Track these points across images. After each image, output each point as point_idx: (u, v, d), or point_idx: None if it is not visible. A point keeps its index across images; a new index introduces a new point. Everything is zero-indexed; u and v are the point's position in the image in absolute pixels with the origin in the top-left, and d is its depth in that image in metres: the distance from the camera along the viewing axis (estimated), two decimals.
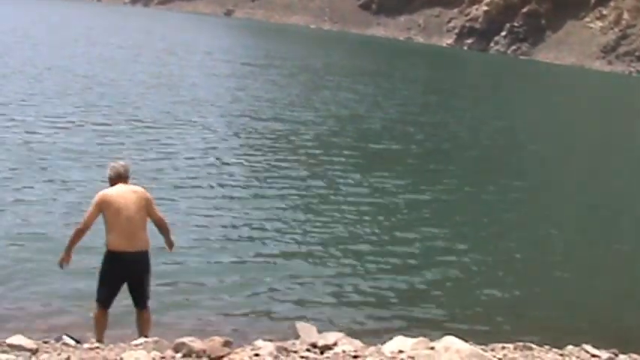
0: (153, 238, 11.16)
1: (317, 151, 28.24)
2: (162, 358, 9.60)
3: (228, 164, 24.21)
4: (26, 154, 21.92)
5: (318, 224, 19.06)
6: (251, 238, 17.17)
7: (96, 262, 12.44)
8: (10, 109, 28.13)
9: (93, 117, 28.79)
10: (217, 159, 24.69)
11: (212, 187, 21.34)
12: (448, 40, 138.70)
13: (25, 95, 31.65)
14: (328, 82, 53.61)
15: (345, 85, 52.66)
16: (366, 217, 20.22)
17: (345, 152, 28.52)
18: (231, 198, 20.50)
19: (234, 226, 17.95)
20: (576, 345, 12.16)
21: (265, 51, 75.55)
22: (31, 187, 18.85)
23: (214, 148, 26.42)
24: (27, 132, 24.72)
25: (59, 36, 65.31)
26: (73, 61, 47.34)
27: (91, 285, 12.75)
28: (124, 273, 10.91)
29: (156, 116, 30.58)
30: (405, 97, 52.01)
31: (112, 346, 10.56)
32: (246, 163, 24.74)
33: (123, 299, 12.82)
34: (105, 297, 10.97)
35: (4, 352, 9.46)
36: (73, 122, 27.44)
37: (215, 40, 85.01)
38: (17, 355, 9.29)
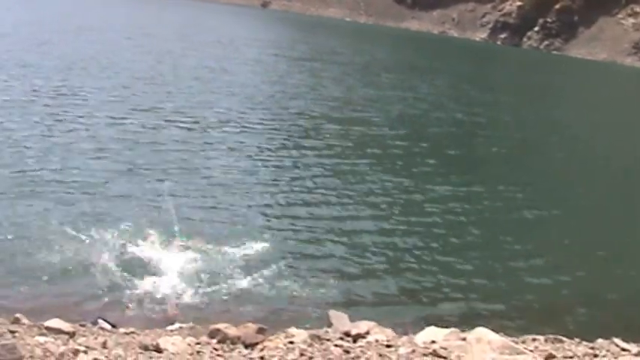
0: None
1: (382, 152, 27.52)
2: (198, 343, 9.55)
3: (306, 165, 23.69)
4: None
5: (352, 219, 18.87)
6: (285, 230, 17.03)
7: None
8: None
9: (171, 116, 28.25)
10: (291, 158, 24.35)
11: (257, 179, 21.24)
12: (482, 35, 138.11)
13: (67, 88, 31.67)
14: (383, 80, 52.74)
15: (400, 83, 51.84)
16: (403, 214, 19.95)
17: (417, 158, 27.67)
18: (281, 192, 20.35)
19: (270, 217, 17.84)
20: (606, 339, 11.99)
21: (311, 45, 75.16)
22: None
23: (287, 146, 26.05)
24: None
25: (106, 26, 65.28)
26: (133, 55, 46.72)
27: (123, 273, 12.89)
28: None
29: (220, 116, 29.78)
30: (462, 95, 51.10)
31: (147, 331, 10.53)
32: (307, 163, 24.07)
33: (160, 285, 12.87)
34: None
35: (42, 334, 9.45)
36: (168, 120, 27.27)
37: (259, 33, 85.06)
38: (55, 338, 9.27)
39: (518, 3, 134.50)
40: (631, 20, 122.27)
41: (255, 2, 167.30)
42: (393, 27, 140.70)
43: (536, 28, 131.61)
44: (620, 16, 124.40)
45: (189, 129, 26.25)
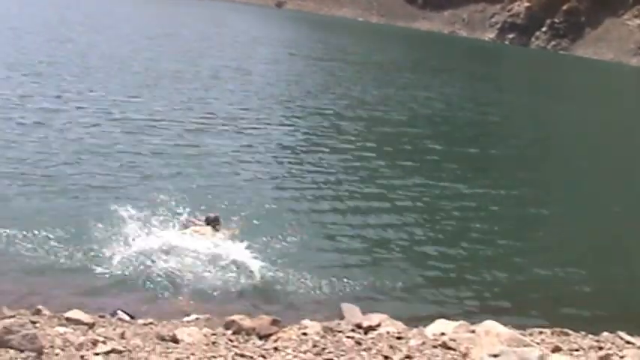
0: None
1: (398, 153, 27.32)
2: (214, 334, 9.60)
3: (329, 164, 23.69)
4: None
5: (365, 214, 18.86)
6: (300, 225, 16.97)
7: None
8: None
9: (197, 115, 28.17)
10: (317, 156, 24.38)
11: (273, 175, 21.32)
12: (490, 35, 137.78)
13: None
14: (402, 80, 52.42)
15: (416, 83, 51.54)
16: (415, 210, 19.92)
17: (432, 156, 27.64)
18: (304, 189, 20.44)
19: (285, 212, 17.85)
20: (611, 332, 11.99)
21: (327, 45, 74.96)
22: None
23: (308, 144, 26.13)
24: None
25: (127, 26, 65.24)
26: (157, 53, 46.74)
27: (141, 266, 12.97)
28: None
29: (241, 114, 29.76)
30: (476, 94, 51.00)
31: (164, 322, 10.59)
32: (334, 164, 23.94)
33: (178, 278, 12.95)
34: None
35: (62, 325, 9.51)
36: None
37: (276, 33, 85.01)
38: (75, 329, 9.33)
39: (527, 4, 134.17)
40: (637, 21, 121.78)
41: (270, 2, 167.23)
42: (404, 27, 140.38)
43: (543, 29, 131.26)
44: (626, 17, 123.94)
45: (208, 126, 26.28)
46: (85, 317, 9.99)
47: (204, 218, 15.05)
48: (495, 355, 8.25)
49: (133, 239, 14.13)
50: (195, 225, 14.86)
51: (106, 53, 41.63)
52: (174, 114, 27.26)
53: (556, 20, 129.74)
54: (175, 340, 9.14)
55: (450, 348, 9.31)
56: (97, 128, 23.23)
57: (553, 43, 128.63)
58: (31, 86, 28.29)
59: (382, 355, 8.93)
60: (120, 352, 8.27)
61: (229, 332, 9.74)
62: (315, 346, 9.09)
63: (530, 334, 11.02)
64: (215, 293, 12.69)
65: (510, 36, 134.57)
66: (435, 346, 9.40)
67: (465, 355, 9.01)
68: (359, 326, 10.50)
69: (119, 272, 12.89)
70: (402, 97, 42.63)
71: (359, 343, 9.37)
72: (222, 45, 60.26)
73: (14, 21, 50.87)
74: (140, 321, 10.57)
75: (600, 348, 10.75)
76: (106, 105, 26.87)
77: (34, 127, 22.09)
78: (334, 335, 9.72)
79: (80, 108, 25.87)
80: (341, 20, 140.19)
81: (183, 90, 33.22)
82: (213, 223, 14.78)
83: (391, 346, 9.31)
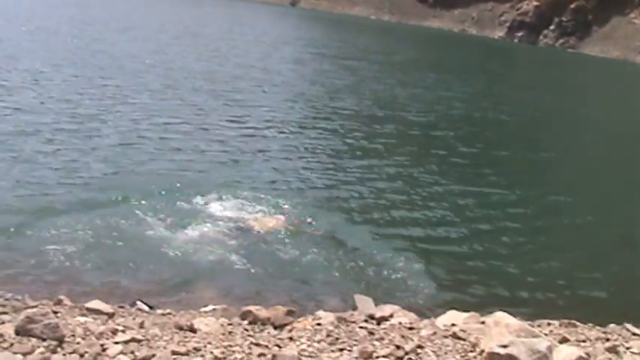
0: None
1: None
2: (230, 324, 9.57)
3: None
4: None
5: (379, 208, 18.78)
6: (317, 218, 16.93)
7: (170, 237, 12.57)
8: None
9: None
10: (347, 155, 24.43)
11: (291, 174, 21.12)
12: (500, 33, 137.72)
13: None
14: (426, 80, 52.08)
15: (442, 84, 50.79)
16: (428, 205, 19.79)
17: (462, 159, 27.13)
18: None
19: (299, 205, 17.81)
20: (618, 324, 11.90)
21: (349, 44, 75.12)
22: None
23: (333, 142, 26.10)
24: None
25: (153, 26, 65.37)
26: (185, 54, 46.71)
27: (161, 257, 12.97)
28: None
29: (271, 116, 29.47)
30: (500, 95, 50.79)
31: (182, 312, 10.58)
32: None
33: (196, 269, 12.93)
34: None
35: (82, 315, 9.50)
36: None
37: (295, 32, 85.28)
38: (95, 319, 9.32)
39: (535, 2, 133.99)
40: None
41: (285, 1, 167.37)
42: (415, 25, 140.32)
43: (552, 27, 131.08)
44: (632, 15, 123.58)
45: (237, 125, 26.21)
46: (105, 307, 9.98)
47: None
48: (504, 346, 8.16)
49: (154, 231, 14.15)
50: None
51: (132, 53, 41.64)
52: (216, 117, 27.13)
53: (564, 19, 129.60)
54: (193, 330, 9.11)
55: (460, 338, 9.25)
56: (135, 127, 23.33)
57: (561, 41, 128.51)
58: (70, 86, 28.53)
59: (394, 345, 8.86)
60: (139, 340, 8.24)
61: (245, 322, 9.70)
62: (328, 335, 9.04)
63: (539, 326, 10.94)
64: (232, 284, 12.68)
65: (519, 34, 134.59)
66: (445, 337, 9.34)
67: (474, 345, 8.94)
68: (372, 317, 10.44)
69: (140, 263, 12.88)
70: (429, 97, 42.25)
71: (372, 333, 9.32)
72: (247, 44, 60.32)
73: (37, 21, 51.12)
74: (159, 311, 10.56)
75: (607, 339, 10.65)
76: (145, 107, 26.95)
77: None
78: (347, 325, 9.67)
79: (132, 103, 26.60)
80: (354, 18, 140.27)
81: (208, 89, 33.24)
82: None
83: (403, 336, 9.25)
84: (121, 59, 38.31)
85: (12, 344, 7.33)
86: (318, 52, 62.01)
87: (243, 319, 9.86)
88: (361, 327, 9.64)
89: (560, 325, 11.30)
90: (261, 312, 9.88)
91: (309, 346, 8.66)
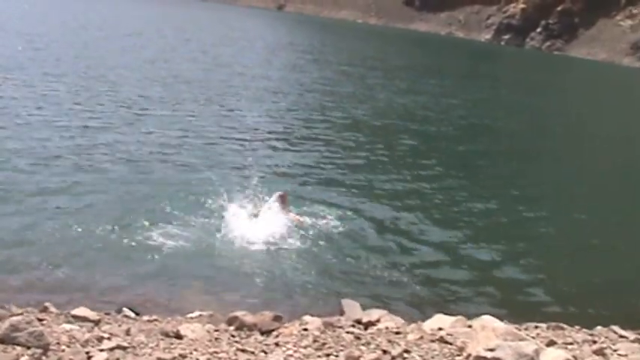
0: None
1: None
2: (216, 330, 9.58)
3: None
4: None
5: (369, 211, 18.75)
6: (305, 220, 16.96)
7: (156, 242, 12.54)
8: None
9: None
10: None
11: (312, 173, 21.61)
12: (486, 36, 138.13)
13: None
14: (424, 86, 51.64)
15: (444, 90, 50.84)
16: (418, 208, 19.86)
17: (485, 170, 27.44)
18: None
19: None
20: (605, 326, 11.95)
21: (343, 49, 75.57)
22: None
23: (340, 149, 26.08)
24: None
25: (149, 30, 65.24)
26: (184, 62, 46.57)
27: (148, 263, 12.95)
28: None
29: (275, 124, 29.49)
30: (504, 101, 51.26)
31: (169, 318, 10.57)
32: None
33: (183, 275, 12.91)
34: None
35: (68, 322, 9.49)
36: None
37: (288, 37, 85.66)
38: (81, 326, 9.31)
39: (522, 5, 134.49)
40: (629, 22, 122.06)
41: (271, 5, 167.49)
42: (402, 28, 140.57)
43: (538, 30, 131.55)
44: (618, 17, 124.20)
45: (239, 132, 26.30)
46: (91, 314, 9.98)
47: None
48: (491, 349, 8.17)
49: (139, 237, 14.12)
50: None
51: (123, 63, 41.41)
52: (223, 128, 26.87)
53: (550, 21, 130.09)
54: (179, 336, 9.11)
55: (447, 342, 9.27)
56: (147, 136, 23.43)
57: (548, 43, 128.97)
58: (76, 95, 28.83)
59: (381, 350, 8.87)
60: (124, 348, 8.23)
61: (232, 328, 9.71)
62: (315, 341, 9.05)
63: (526, 329, 10.97)
64: (219, 290, 12.64)
65: (506, 37, 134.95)
66: (432, 341, 9.36)
67: (461, 349, 8.95)
68: (359, 322, 10.47)
69: (126, 270, 12.84)
70: (433, 104, 42.16)
71: (358, 338, 9.33)
72: (243, 51, 60.42)
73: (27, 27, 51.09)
74: (145, 317, 10.55)
75: (594, 342, 10.70)
76: (153, 113, 27.26)
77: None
78: (334, 330, 9.68)
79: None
80: (341, 22, 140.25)
81: (210, 96, 33.35)
82: None
83: (390, 341, 9.26)
84: (115, 69, 38.06)
85: None
86: (313, 59, 62.00)
87: (230, 324, 9.86)
88: (348, 332, 9.65)
89: (548, 328, 11.35)
90: (248, 317, 9.88)
91: (295, 351, 8.66)
